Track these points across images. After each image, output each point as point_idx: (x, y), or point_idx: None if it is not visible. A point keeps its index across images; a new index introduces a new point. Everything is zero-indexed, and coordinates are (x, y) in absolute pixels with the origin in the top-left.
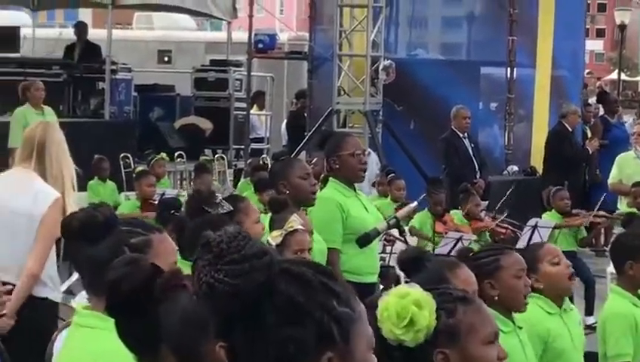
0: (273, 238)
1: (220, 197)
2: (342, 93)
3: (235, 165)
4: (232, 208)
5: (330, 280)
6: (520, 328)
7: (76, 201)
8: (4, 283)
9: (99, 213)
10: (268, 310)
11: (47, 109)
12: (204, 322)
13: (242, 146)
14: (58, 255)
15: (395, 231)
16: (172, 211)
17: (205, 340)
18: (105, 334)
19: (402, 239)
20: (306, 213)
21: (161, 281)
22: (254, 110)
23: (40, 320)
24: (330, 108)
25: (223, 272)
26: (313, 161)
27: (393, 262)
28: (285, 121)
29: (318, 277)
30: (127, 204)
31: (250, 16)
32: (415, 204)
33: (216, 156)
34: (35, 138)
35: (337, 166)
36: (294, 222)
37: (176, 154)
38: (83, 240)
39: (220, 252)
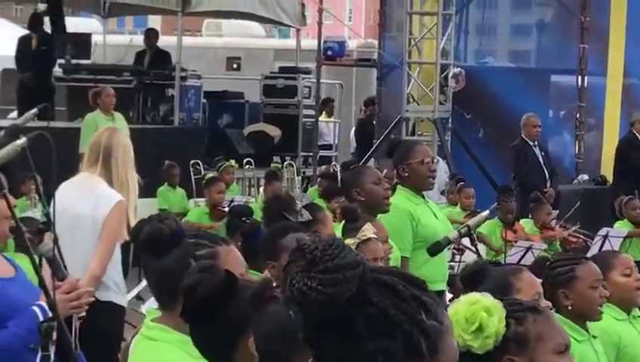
0: None
1: (300, 205)
2: (411, 100)
3: (304, 172)
4: (310, 217)
5: (420, 292)
6: (594, 337)
7: (137, 207)
8: None
9: (165, 225)
10: (358, 320)
11: (118, 115)
12: (297, 335)
13: (311, 153)
14: (127, 262)
15: (466, 240)
16: (242, 218)
17: (296, 352)
18: (168, 347)
19: (473, 249)
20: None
21: (254, 293)
22: (323, 117)
23: (104, 323)
24: (399, 116)
25: (316, 280)
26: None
27: None
28: (354, 128)
29: (409, 288)
30: (196, 210)
31: (320, 24)
32: (487, 212)
33: (284, 163)
34: (101, 143)
35: (406, 174)
36: (367, 230)
37: (244, 161)
38: (150, 253)
39: (314, 259)
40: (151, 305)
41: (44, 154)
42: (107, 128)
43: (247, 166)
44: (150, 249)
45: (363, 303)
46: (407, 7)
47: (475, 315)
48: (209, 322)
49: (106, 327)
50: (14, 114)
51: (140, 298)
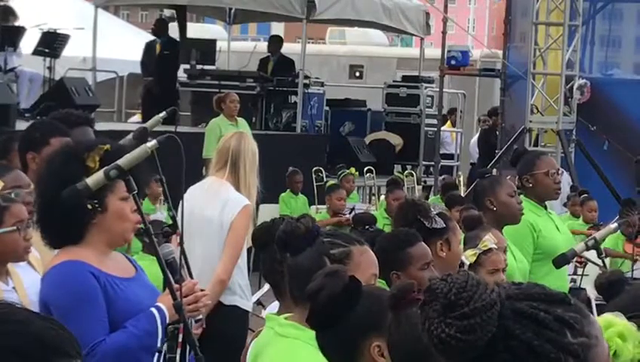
0: (468, 257)
1: (434, 212)
2: (535, 111)
3: (425, 181)
4: (444, 225)
5: (563, 309)
6: None
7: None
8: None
9: (301, 223)
10: (502, 355)
11: (241, 121)
12: None
13: (432, 163)
14: (247, 266)
15: (590, 253)
16: (366, 226)
17: (432, 357)
18: (300, 344)
19: (599, 263)
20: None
21: (395, 294)
22: (446, 126)
23: (229, 328)
24: (523, 127)
25: (454, 328)
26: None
27: (585, 284)
28: (476, 137)
29: (550, 311)
30: (317, 217)
31: (444, 33)
32: (615, 225)
33: (405, 172)
34: (229, 148)
35: (531, 185)
36: (489, 241)
37: (365, 169)
38: (285, 250)
39: (448, 303)
40: (271, 310)
41: (169, 158)
42: (235, 133)
43: (367, 174)
44: (286, 246)
45: (505, 338)
46: (533, 18)
47: (610, 341)
48: (332, 327)
49: (230, 331)
50: (135, 118)
51: (260, 303)
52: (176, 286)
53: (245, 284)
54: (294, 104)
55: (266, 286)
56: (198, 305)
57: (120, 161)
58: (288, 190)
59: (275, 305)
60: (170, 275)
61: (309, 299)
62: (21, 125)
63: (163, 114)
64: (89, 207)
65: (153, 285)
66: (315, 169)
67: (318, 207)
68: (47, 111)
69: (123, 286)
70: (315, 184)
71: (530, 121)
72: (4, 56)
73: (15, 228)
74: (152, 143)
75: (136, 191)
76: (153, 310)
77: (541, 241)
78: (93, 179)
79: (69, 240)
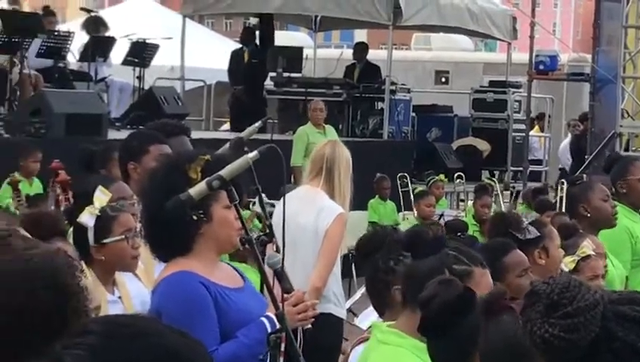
0: (567, 265)
1: (526, 222)
2: (625, 115)
3: (513, 187)
4: (538, 234)
5: None
6: None
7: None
8: None
9: (431, 229)
10: (605, 356)
11: (329, 128)
12: (526, 350)
13: (520, 168)
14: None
15: None
16: (458, 234)
17: None
18: (402, 352)
19: None
20: None
21: (488, 300)
22: (534, 131)
23: (324, 336)
24: (613, 132)
25: (557, 327)
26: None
27: None
28: (566, 142)
29: None
30: (405, 224)
31: (531, 37)
32: None
33: (493, 178)
34: (323, 156)
35: (624, 190)
36: (587, 247)
37: (455, 175)
38: (409, 251)
39: (551, 303)
40: (364, 318)
41: (262, 167)
42: (329, 141)
43: (457, 180)
44: (410, 248)
45: (608, 340)
46: (623, 21)
47: None
48: (444, 335)
49: (325, 339)
50: (225, 126)
51: (351, 311)
52: (285, 295)
53: (340, 292)
54: (381, 110)
55: (358, 294)
56: (307, 314)
57: (222, 172)
58: (377, 196)
59: (367, 313)
60: (268, 284)
61: (421, 307)
62: (112, 135)
63: (259, 123)
64: (194, 217)
65: (261, 295)
66: (399, 175)
67: (405, 213)
68: (137, 121)
69: (233, 296)
70: (400, 190)
71: (621, 126)
72: (95, 67)
73: (123, 236)
74: (253, 154)
75: (237, 201)
76: (263, 319)
77: (638, 248)
78: (196, 190)
79: (178, 252)
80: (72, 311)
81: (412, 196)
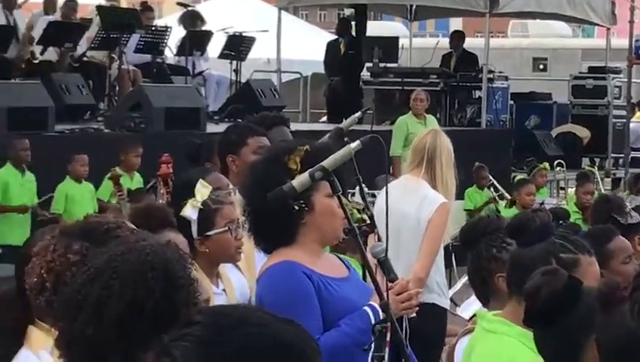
0: None
1: (629, 207)
2: None
3: (614, 174)
4: None
5: None
6: None
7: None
8: None
9: (538, 217)
10: None
11: (430, 118)
12: None
13: (621, 155)
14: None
15: None
16: (560, 221)
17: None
18: (509, 341)
19: None
20: None
21: (603, 292)
22: (636, 118)
23: (428, 326)
24: None
25: None
26: None
27: None
28: None
29: None
30: (505, 213)
31: (631, 22)
32: None
33: (594, 165)
34: (425, 146)
35: None
36: None
37: (555, 162)
38: (515, 238)
39: None
40: (465, 308)
41: (359, 158)
42: (431, 130)
43: (557, 168)
44: (517, 235)
45: None
46: None
47: None
48: (551, 326)
49: (429, 329)
50: (324, 118)
51: (452, 301)
52: (390, 285)
53: (443, 282)
54: (478, 99)
55: (459, 284)
56: (412, 303)
57: (325, 162)
58: (474, 185)
59: (469, 302)
60: (372, 273)
61: (527, 298)
62: (211, 128)
63: (359, 114)
64: (296, 207)
65: (366, 285)
66: (498, 163)
67: (502, 202)
68: (235, 114)
69: (336, 286)
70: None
71: None
72: (192, 61)
73: (226, 228)
74: (355, 144)
75: (340, 192)
76: (367, 309)
77: None
78: (299, 181)
79: (282, 243)
80: (182, 303)
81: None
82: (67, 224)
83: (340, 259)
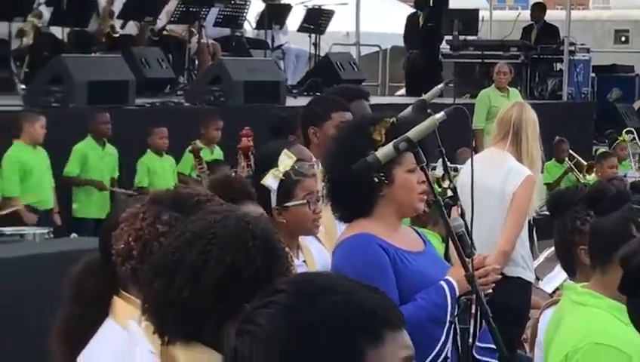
0: None
1: None
2: None
3: None
4: None
5: None
6: None
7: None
8: None
9: (613, 185)
10: None
11: (513, 91)
12: None
13: None
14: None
15: None
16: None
17: None
18: (598, 313)
19: None
20: None
21: None
22: None
23: (513, 299)
24: None
25: None
26: None
27: None
28: None
29: None
30: (588, 181)
31: None
32: None
33: None
34: (510, 119)
35: None
36: None
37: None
38: (592, 208)
39: None
40: (548, 281)
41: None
42: (516, 103)
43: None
44: (593, 205)
45: None
46: None
47: None
48: None
49: (514, 303)
50: (402, 91)
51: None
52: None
53: (527, 255)
54: (559, 72)
55: (541, 258)
56: (488, 279)
57: (409, 133)
58: (553, 159)
59: (551, 276)
60: (457, 246)
61: (621, 264)
62: (289, 102)
63: (441, 85)
64: (376, 180)
65: (442, 260)
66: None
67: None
68: (314, 87)
69: (412, 259)
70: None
71: None
72: (271, 34)
73: (305, 201)
74: (440, 115)
75: (425, 163)
76: (442, 283)
77: None
78: (383, 152)
79: (359, 214)
80: (278, 274)
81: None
82: (158, 192)
83: (417, 232)
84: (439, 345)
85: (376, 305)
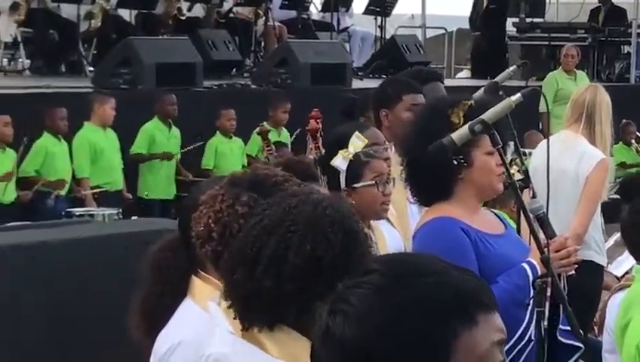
0: None
1: None
2: None
3: None
4: None
5: None
6: None
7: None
8: None
9: None
10: None
11: (581, 74)
12: None
13: None
14: None
15: None
16: None
17: None
18: None
19: None
20: None
21: None
22: None
23: (586, 282)
24: None
25: None
26: None
27: None
28: None
29: None
30: None
31: None
32: None
33: None
34: (584, 101)
35: None
36: None
37: None
38: None
39: None
40: (617, 265)
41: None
42: (590, 86)
43: None
44: None
45: None
46: None
47: None
48: None
49: (587, 286)
50: (463, 73)
51: None
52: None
53: (600, 239)
54: (627, 54)
55: (610, 241)
56: (570, 260)
57: (484, 116)
58: (620, 142)
59: (620, 260)
60: (532, 229)
61: None
62: (356, 84)
63: (514, 67)
64: (455, 162)
65: (523, 241)
66: None
67: None
68: (380, 70)
69: (493, 242)
70: None
71: None
72: (337, 17)
73: (373, 182)
74: (516, 97)
75: (500, 145)
76: (524, 265)
77: None
78: (459, 134)
79: (438, 197)
80: (359, 257)
81: None
82: (236, 174)
83: (496, 215)
84: (523, 326)
85: (470, 286)
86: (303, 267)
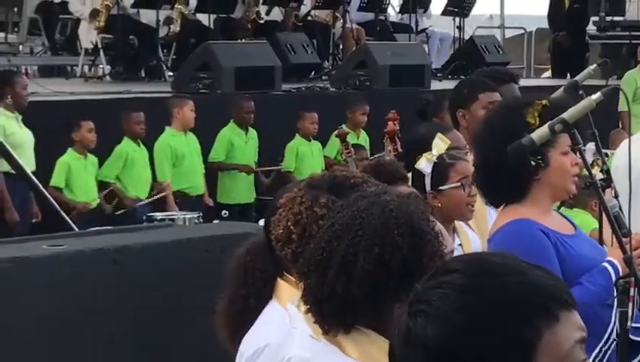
0: None
1: None
2: None
3: None
4: None
5: None
6: None
7: None
8: None
9: None
10: None
11: None
12: None
13: None
14: None
15: None
16: None
17: None
18: None
19: None
20: None
21: None
22: None
23: None
24: None
25: None
26: None
27: None
28: None
29: None
30: None
31: None
32: None
33: None
34: None
35: None
36: None
37: None
38: None
39: None
40: None
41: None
42: None
43: None
44: None
45: None
46: None
47: None
48: None
49: None
50: (547, 73)
51: None
52: (624, 240)
53: None
54: None
55: None
56: None
57: (565, 115)
58: None
59: None
60: (614, 228)
61: None
62: (434, 85)
63: (594, 66)
64: (532, 163)
65: (594, 241)
66: None
67: None
68: (459, 70)
69: (570, 242)
70: None
71: None
72: (415, 18)
73: (459, 184)
74: (596, 96)
75: (581, 145)
76: (606, 264)
77: None
78: (538, 134)
79: (512, 198)
80: (429, 257)
81: None
82: (315, 176)
83: (564, 216)
84: (611, 326)
85: (550, 285)
86: (372, 271)
